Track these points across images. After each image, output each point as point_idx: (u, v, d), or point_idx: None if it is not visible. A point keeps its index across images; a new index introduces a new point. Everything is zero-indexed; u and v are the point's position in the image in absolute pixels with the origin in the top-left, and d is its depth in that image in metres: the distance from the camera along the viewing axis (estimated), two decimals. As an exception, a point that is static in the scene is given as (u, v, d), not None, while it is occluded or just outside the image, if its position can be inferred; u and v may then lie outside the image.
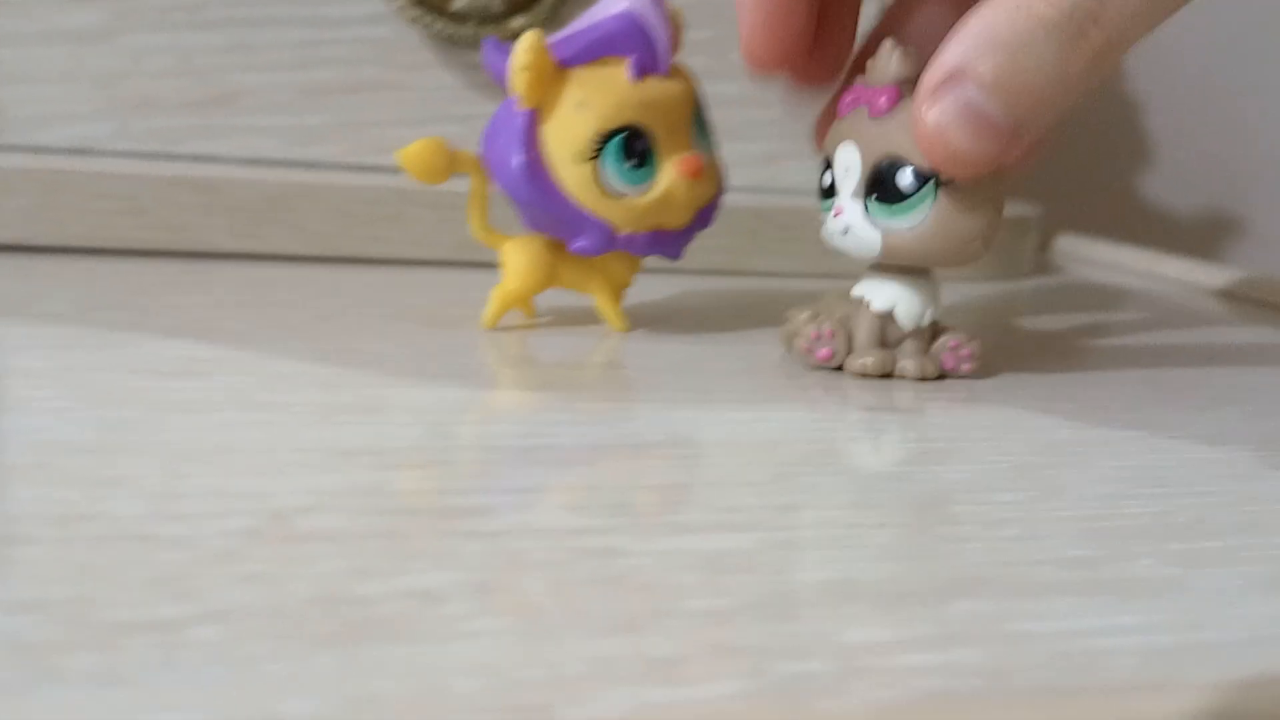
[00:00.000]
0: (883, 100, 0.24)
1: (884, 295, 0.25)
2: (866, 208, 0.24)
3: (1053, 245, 0.51)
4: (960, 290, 0.40)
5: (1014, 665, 0.13)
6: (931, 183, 0.24)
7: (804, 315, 0.26)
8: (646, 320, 0.30)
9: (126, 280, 0.31)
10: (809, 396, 0.25)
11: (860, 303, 0.26)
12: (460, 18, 0.38)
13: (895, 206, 0.24)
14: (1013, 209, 0.44)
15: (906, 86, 0.24)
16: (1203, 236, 0.60)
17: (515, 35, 0.38)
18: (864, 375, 0.25)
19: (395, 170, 0.28)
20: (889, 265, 0.25)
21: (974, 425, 0.23)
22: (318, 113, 0.38)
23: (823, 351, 0.26)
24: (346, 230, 0.36)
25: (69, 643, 0.12)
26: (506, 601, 0.14)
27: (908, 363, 0.26)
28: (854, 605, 0.14)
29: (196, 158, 0.36)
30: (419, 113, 0.38)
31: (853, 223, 0.25)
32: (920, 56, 0.23)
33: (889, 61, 0.24)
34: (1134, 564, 0.16)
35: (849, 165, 0.25)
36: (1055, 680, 0.13)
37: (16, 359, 0.23)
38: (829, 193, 0.26)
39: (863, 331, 0.26)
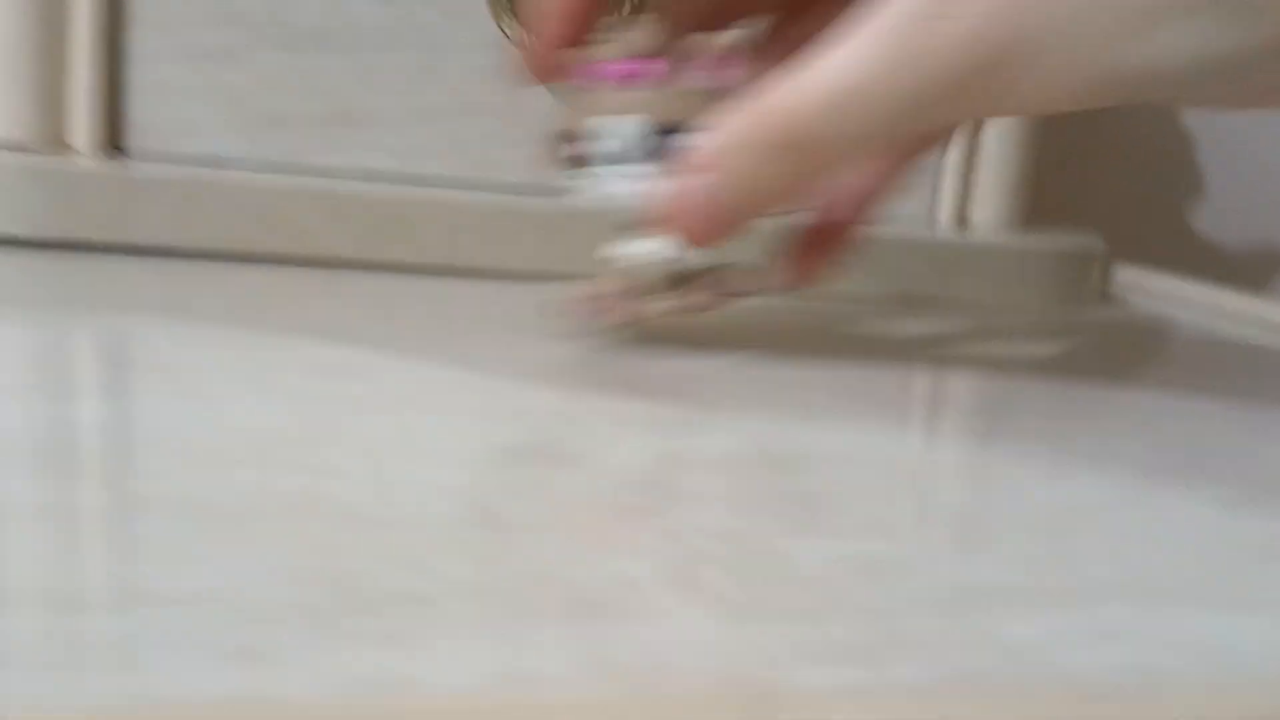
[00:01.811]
0: (657, 69, 0.27)
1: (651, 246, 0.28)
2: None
3: (1113, 277, 0.53)
4: (1022, 320, 0.42)
5: (1164, 665, 0.15)
6: None
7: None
8: (732, 337, 0.32)
9: (260, 286, 0.33)
10: (909, 412, 0.27)
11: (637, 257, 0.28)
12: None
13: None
14: (1076, 240, 0.46)
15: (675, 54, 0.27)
16: (1262, 270, 0.62)
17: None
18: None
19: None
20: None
21: (1067, 450, 0.25)
22: (431, 132, 0.40)
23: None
24: (456, 242, 0.38)
25: (348, 608, 0.14)
26: (697, 590, 0.16)
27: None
28: (1004, 607, 0.16)
29: (320, 172, 0.39)
30: (525, 133, 0.41)
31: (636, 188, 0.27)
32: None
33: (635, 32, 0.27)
34: (1253, 579, 0.18)
35: (628, 133, 0.27)
36: (1205, 679, 0.15)
37: (186, 355, 0.25)
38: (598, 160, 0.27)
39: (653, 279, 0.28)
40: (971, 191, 0.44)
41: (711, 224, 0.26)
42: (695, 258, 0.28)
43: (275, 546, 0.16)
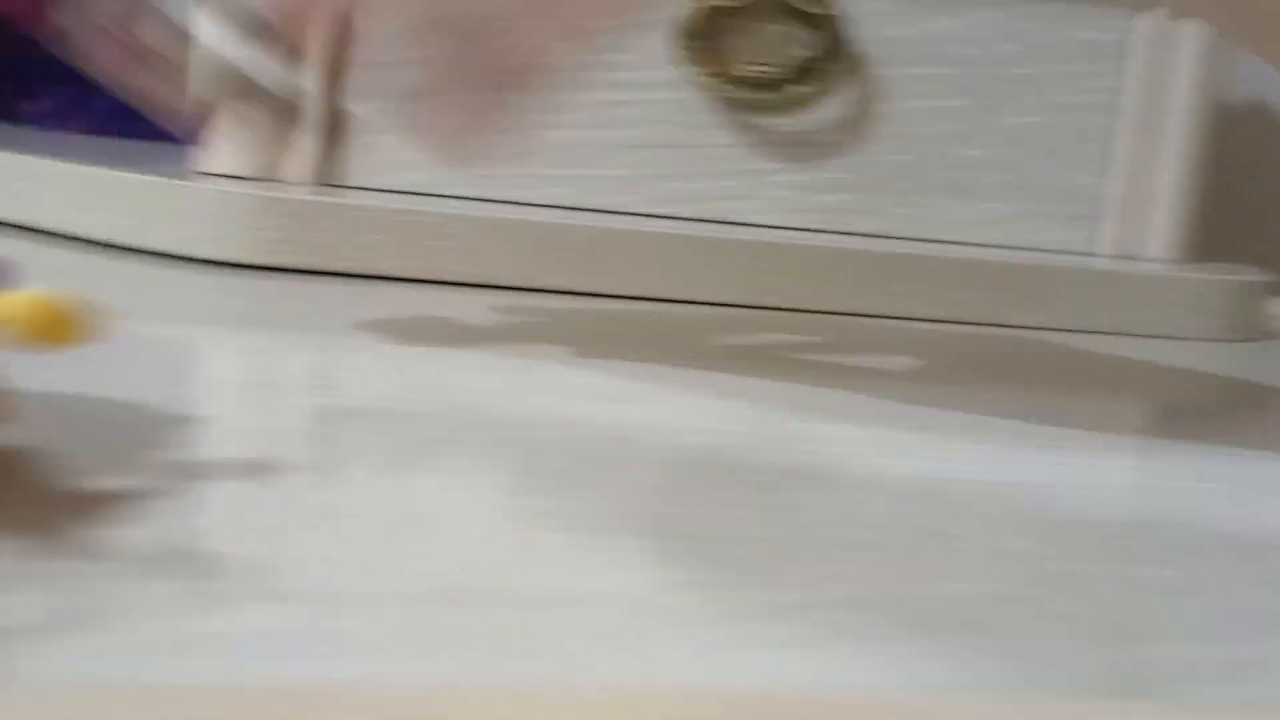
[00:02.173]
0: None
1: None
2: None
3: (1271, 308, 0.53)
4: (1189, 350, 0.42)
5: None
6: None
7: None
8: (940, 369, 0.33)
9: (472, 308, 0.35)
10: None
11: None
12: (743, 83, 0.42)
13: None
14: (1246, 273, 0.46)
15: None
16: None
17: (793, 100, 0.42)
18: None
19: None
20: None
21: (1254, 478, 0.26)
22: (616, 166, 0.42)
23: None
24: (640, 270, 0.40)
25: (758, 613, 0.16)
26: (1034, 609, 0.17)
27: None
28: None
29: (514, 203, 0.41)
30: (705, 169, 0.43)
31: None
32: None
33: None
34: None
35: None
36: None
37: (460, 378, 0.28)
38: None
39: None
40: (1139, 223, 0.44)
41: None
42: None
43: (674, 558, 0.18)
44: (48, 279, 0.34)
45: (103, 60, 0.27)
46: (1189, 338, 0.44)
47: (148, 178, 0.38)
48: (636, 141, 0.42)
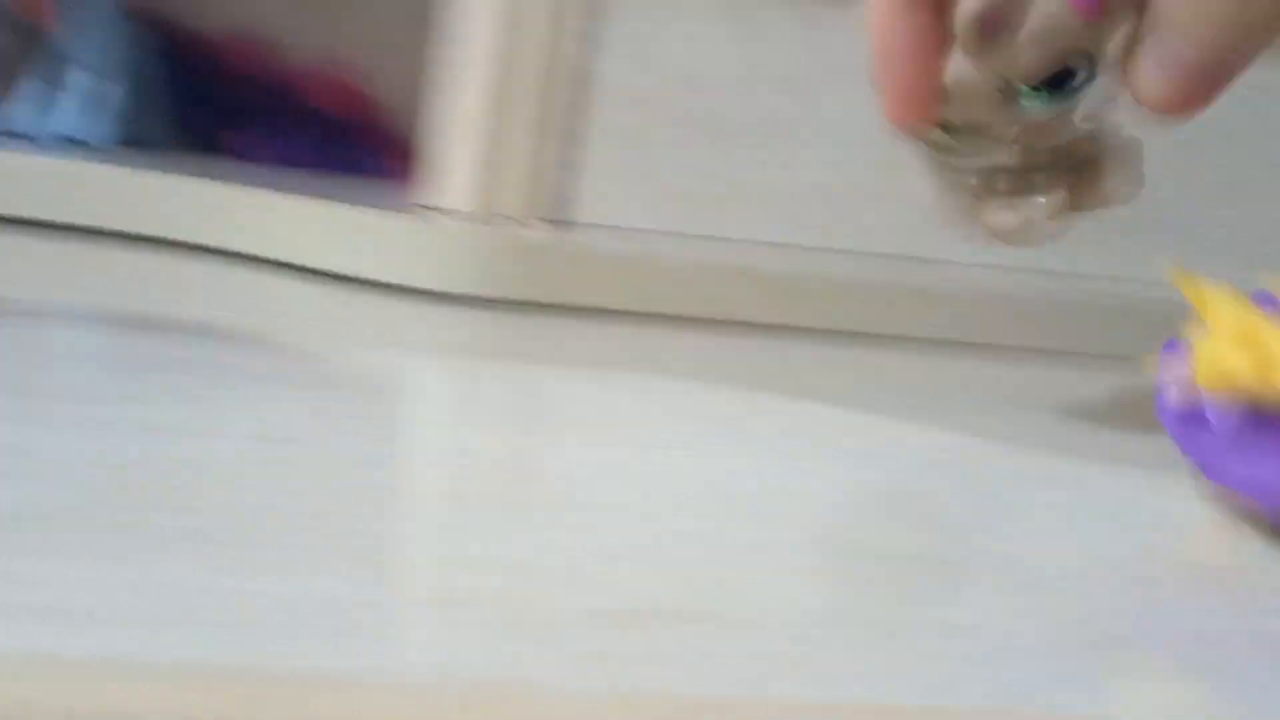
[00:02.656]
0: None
1: None
2: None
3: None
4: None
5: None
6: None
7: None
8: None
9: (682, 346, 0.36)
10: None
11: None
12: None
13: None
14: None
15: None
16: None
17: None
18: None
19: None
20: None
21: None
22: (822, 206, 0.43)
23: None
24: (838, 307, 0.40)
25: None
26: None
27: None
28: None
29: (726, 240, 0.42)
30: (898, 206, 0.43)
31: None
32: None
33: None
34: None
35: None
36: None
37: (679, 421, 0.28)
38: None
39: None
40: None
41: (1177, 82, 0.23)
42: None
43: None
44: (288, 311, 0.36)
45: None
46: None
47: (386, 213, 0.40)
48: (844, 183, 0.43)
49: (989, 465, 0.26)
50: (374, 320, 0.35)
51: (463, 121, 0.41)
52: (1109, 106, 0.25)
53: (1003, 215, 0.26)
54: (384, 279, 0.39)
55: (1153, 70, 0.23)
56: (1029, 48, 0.24)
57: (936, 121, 0.26)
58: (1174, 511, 0.24)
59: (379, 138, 0.58)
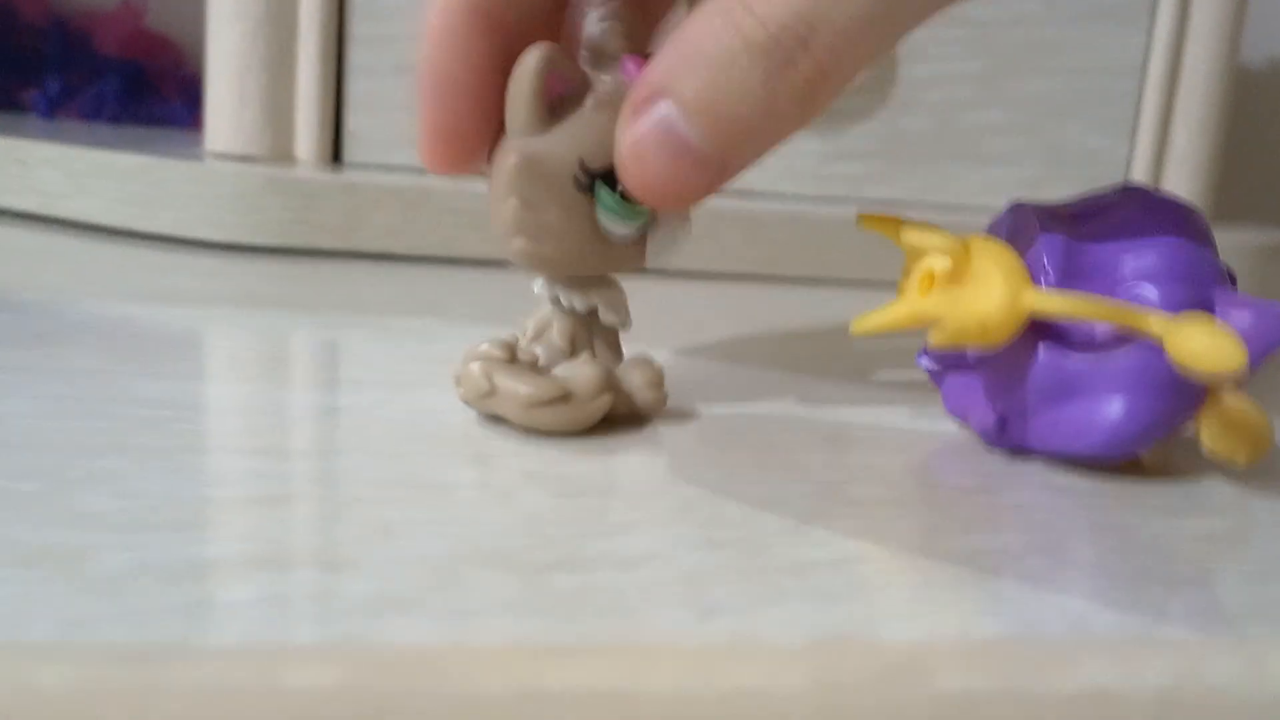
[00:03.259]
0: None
1: (608, 303, 0.22)
2: None
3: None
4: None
5: None
6: None
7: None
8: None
9: (496, 288, 0.35)
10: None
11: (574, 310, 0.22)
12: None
13: None
14: (1265, 235, 0.46)
15: None
16: None
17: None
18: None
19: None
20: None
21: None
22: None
23: None
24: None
25: (784, 567, 0.15)
26: (1072, 559, 0.17)
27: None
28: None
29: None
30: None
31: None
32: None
33: (612, 36, 0.21)
34: None
35: None
36: None
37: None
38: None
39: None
40: (1159, 188, 0.44)
41: (683, 171, 0.19)
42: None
43: (684, 518, 0.17)
44: (46, 264, 0.33)
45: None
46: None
47: (149, 158, 0.37)
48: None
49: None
50: (144, 272, 0.33)
51: (233, 63, 0.38)
52: None
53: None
54: (155, 230, 0.37)
55: (655, 155, 0.19)
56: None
57: (475, 170, 0.21)
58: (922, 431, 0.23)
59: (184, 86, 0.55)
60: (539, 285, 0.22)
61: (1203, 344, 0.18)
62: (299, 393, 0.22)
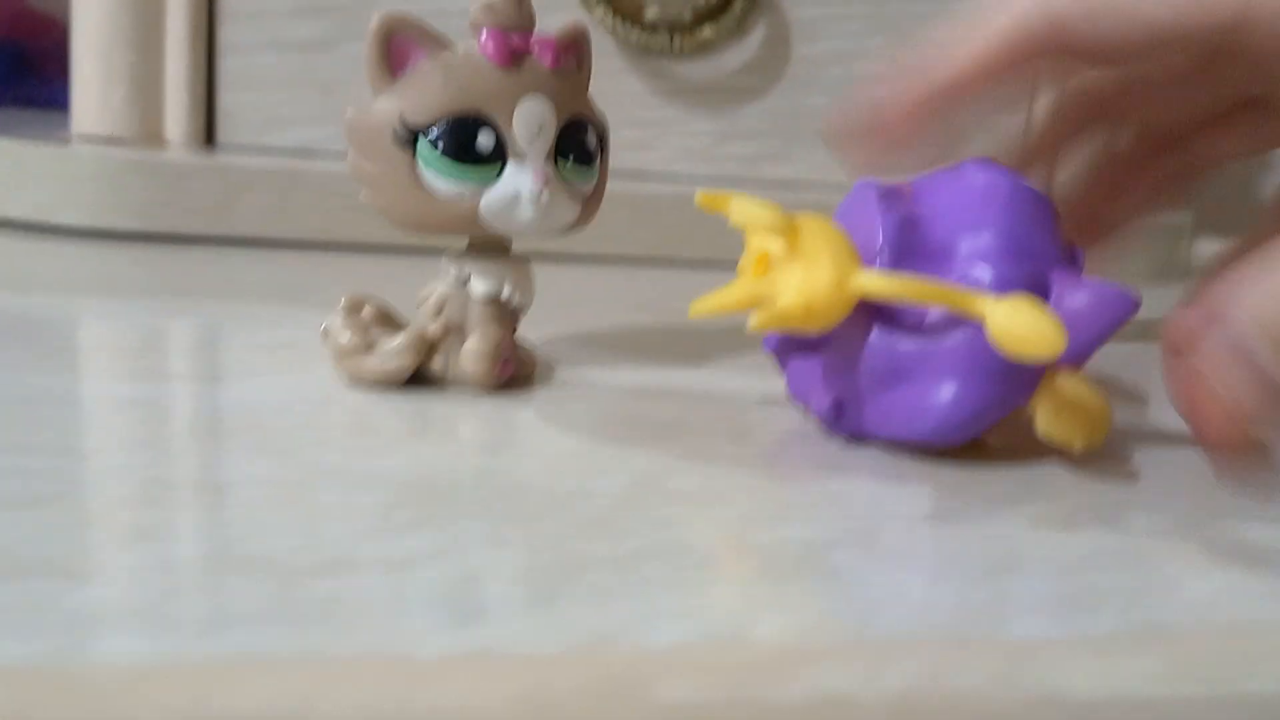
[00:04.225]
0: (550, 52, 0.22)
1: (499, 277, 0.22)
2: (561, 172, 0.22)
3: (1194, 249, 0.53)
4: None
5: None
6: (600, 142, 0.23)
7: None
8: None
9: (372, 270, 0.34)
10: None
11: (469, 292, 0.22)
12: (652, 28, 0.40)
13: (588, 169, 0.22)
14: (1166, 216, 0.45)
15: (563, 40, 0.22)
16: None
17: (703, 44, 0.40)
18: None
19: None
20: (490, 241, 0.23)
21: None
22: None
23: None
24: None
25: (566, 565, 0.14)
26: (884, 550, 0.16)
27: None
28: (1192, 557, 0.16)
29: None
30: (611, 118, 0.41)
31: (556, 191, 0.22)
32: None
33: (520, 6, 0.22)
34: None
35: (542, 123, 0.21)
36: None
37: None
38: (492, 158, 0.21)
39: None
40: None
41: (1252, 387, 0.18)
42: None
43: (497, 513, 0.16)
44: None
45: None
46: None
47: (8, 141, 0.35)
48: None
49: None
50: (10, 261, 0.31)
51: (99, 42, 0.37)
52: None
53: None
54: (16, 215, 0.35)
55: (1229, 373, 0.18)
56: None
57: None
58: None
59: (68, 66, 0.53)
60: (445, 258, 0.23)
61: (1023, 327, 0.17)
62: (110, 384, 0.21)
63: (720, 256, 0.39)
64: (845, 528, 0.17)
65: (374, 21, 0.21)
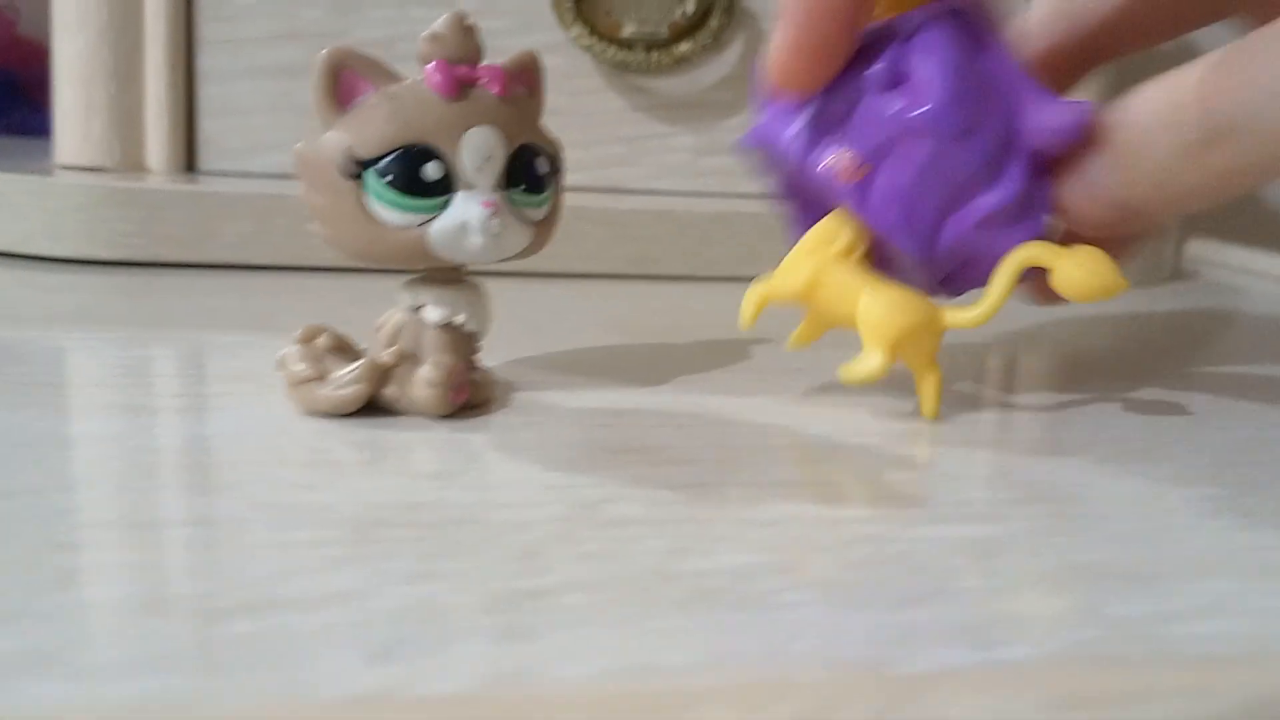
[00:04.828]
0: (498, 82, 0.22)
1: (452, 304, 0.23)
2: (510, 199, 0.22)
3: (1185, 250, 0.52)
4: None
5: (1270, 634, 0.15)
6: (551, 169, 0.23)
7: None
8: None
9: (350, 293, 0.34)
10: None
11: (424, 319, 0.23)
12: (629, 45, 0.40)
13: (539, 196, 0.23)
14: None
15: (511, 68, 0.23)
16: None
17: (680, 60, 0.40)
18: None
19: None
20: (444, 270, 0.23)
21: (1159, 427, 0.25)
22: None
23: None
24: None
25: (475, 606, 0.15)
26: (808, 579, 0.16)
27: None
28: (1110, 583, 0.16)
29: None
30: (591, 135, 0.41)
31: (506, 219, 0.22)
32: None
33: (468, 37, 0.22)
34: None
35: (489, 152, 0.22)
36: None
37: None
38: (440, 188, 0.21)
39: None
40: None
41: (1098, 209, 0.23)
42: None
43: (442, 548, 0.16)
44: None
45: None
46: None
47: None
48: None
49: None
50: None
51: (79, 73, 0.37)
52: None
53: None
54: (5, 247, 0.36)
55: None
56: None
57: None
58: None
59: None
60: (400, 286, 0.23)
61: (1091, 277, 0.22)
62: (60, 420, 0.22)
63: (700, 272, 0.39)
64: (772, 558, 0.17)
65: (320, 56, 0.21)
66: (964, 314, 0.23)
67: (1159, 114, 0.22)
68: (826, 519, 0.18)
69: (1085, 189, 0.23)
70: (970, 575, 0.16)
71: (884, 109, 0.23)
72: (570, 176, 0.41)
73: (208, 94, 0.38)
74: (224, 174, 0.39)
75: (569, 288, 0.37)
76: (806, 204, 0.26)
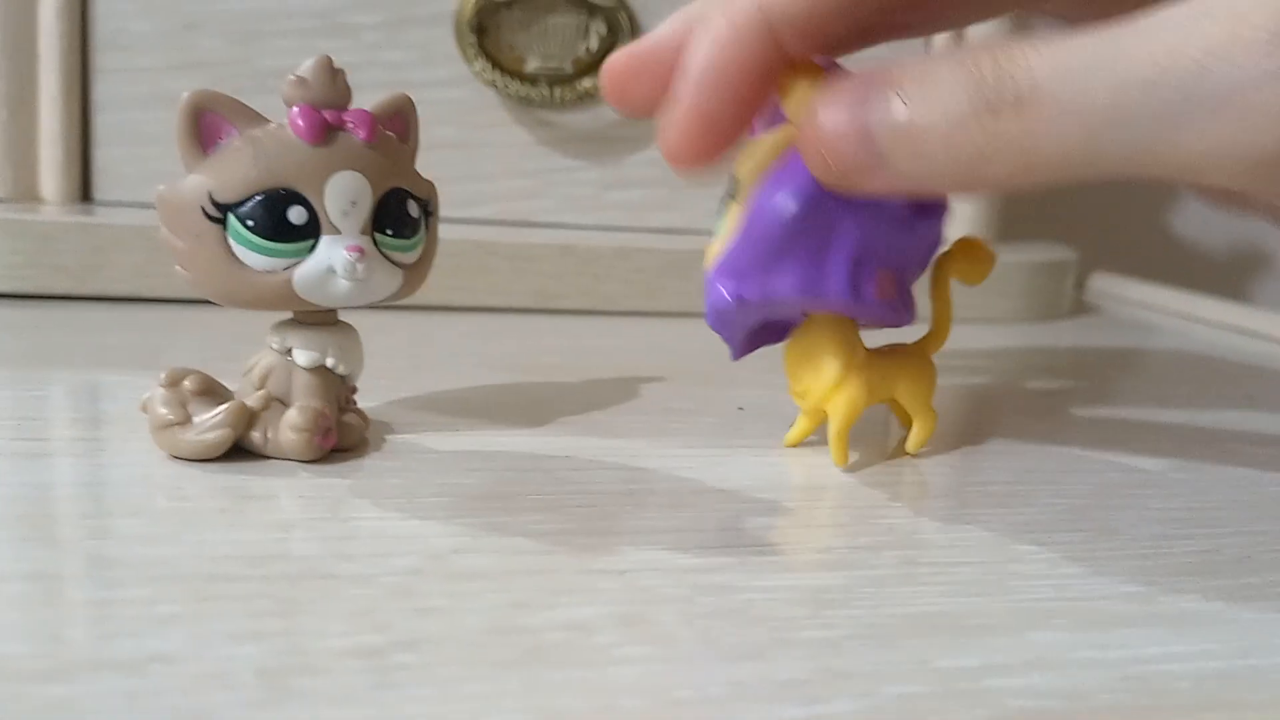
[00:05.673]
0: (365, 127, 0.22)
1: (322, 347, 0.23)
2: (378, 243, 0.22)
3: (1087, 284, 0.53)
4: (1001, 333, 0.42)
5: (1088, 688, 0.15)
6: (423, 213, 0.23)
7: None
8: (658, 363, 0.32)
9: (243, 328, 0.33)
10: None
11: (291, 362, 0.23)
12: (533, 80, 0.40)
13: (409, 240, 0.23)
14: (1051, 252, 0.46)
15: (383, 112, 0.23)
16: (1233, 275, 0.62)
17: (584, 96, 0.41)
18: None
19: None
20: (315, 313, 0.23)
21: (1030, 470, 0.25)
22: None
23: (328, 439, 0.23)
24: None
25: (298, 667, 0.14)
26: (647, 633, 0.16)
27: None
28: (942, 635, 0.17)
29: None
30: (495, 168, 0.41)
31: (373, 263, 0.22)
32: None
33: (335, 81, 0.22)
34: (1184, 598, 0.18)
35: (355, 197, 0.21)
36: (1126, 701, 0.15)
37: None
38: (304, 232, 0.21)
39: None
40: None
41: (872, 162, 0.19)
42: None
43: (230, 608, 0.16)
44: None
45: None
46: (998, 321, 0.43)
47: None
48: (423, 143, 0.40)
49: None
50: None
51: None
52: None
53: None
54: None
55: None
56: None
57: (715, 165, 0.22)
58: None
59: None
60: (271, 328, 0.23)
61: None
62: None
63: (604, 307, 0.39)
64: (614, 610, 0.17)
65: (183, 98, 0.21)
66: (932, 345, 0.26)
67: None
68: (677, 568, 0.18)
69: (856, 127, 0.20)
70: (808, 627, 0.17)
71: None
72: (476, 210, 0.41)
73: (104, 122, 0.38)
74: (120, 204, 0.38)
75: (472, 322, 0.37)
76: (759, 333, 0.25)
